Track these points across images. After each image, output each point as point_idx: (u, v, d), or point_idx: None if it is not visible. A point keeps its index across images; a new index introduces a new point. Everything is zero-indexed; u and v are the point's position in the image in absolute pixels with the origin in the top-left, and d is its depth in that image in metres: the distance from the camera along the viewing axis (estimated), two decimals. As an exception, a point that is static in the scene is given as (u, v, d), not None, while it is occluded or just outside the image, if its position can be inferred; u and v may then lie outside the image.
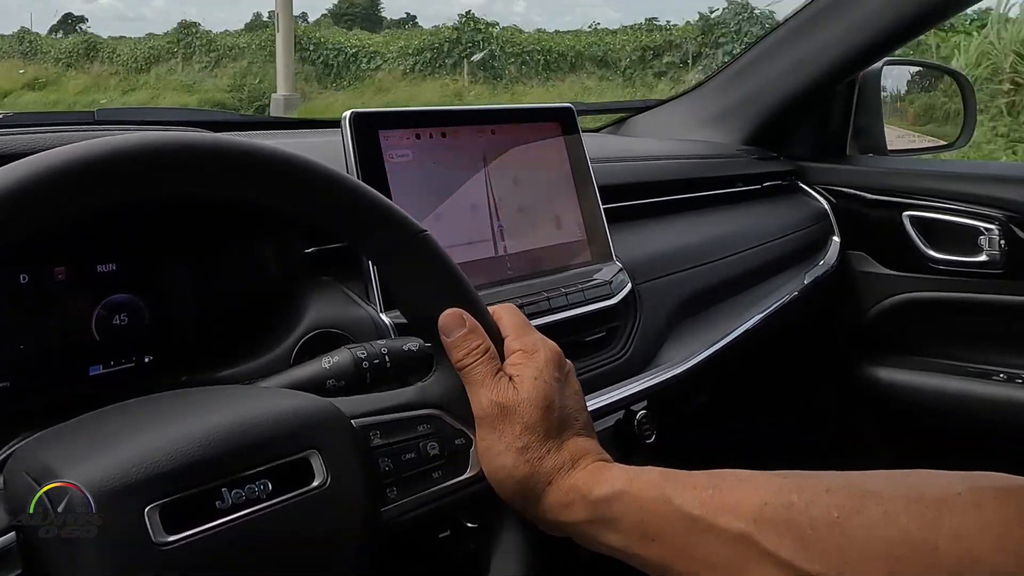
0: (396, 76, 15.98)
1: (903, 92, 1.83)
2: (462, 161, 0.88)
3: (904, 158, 1.70)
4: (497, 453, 0.56)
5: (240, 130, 1.01)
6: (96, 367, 0.68)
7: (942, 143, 1.78)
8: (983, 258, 1.39)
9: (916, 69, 2.00)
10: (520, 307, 0.66)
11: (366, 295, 0.77)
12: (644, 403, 0.96)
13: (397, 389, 0.59)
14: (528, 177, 0.93)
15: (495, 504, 0.58)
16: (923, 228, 1.45)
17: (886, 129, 1.65)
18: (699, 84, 1.64)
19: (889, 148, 1.65)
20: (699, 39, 14.30)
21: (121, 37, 20.68)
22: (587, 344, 0.94)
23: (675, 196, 1.26)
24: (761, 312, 1.22)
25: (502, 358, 0.60)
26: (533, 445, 0.56)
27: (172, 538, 0.43)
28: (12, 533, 0.42)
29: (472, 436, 0.58)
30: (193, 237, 0.73)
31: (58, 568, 0.41)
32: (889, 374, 1.51)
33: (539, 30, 17.05)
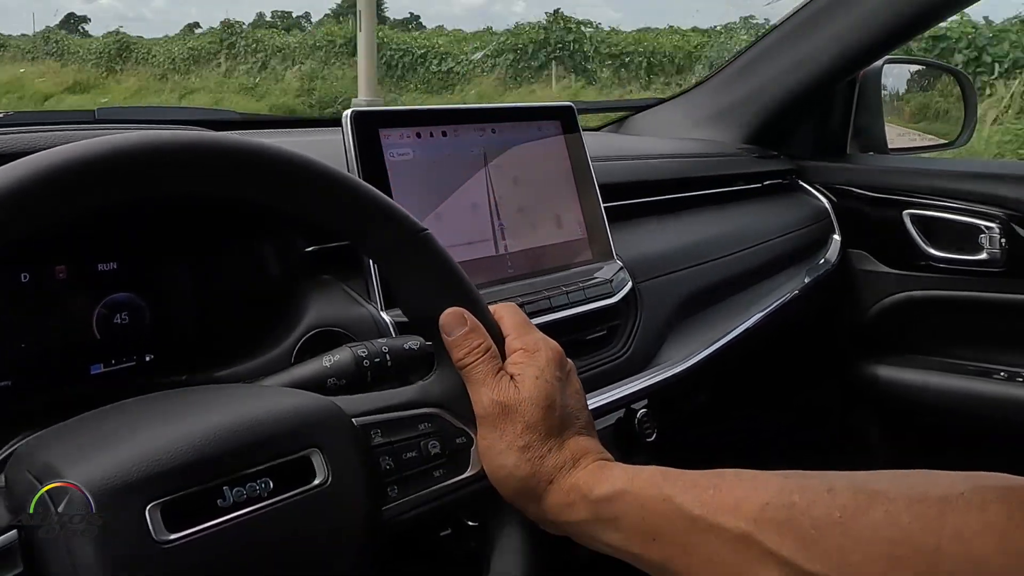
0: (490, 81, 14.26)
1: (902, 92, 1.84)
2: (463, 160, 0.88)
3: (905, 157, 1.70)
4: (498, 452, 0.56)
5: (241, 129, 1.01)
6: (97, 366, 0.68)
7: (942, 142, 1.78)
8: (984, 256, 1.39)
9: (917, 67, 2.00)
10: (521, 306, 0.66)
11: (367, 294, 0.77)
12: (645, 402, 0.96)
13: (398, 388, 0.59)
14: (529, 176, 0.93)
15: (496, 503, 0.58)
16: (924, 226, 1.45)
17: (886, 128, 1.65)
18: (700, 83, 1.64)
19: (890, 147, 1.65)
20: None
21: (158, 37, 19.98)
22: (588, 343, 0.94)
23: (676, 195, 1.26)
24: (762, 311, 1.22)
25: (503, 357, 0.59)
26: (534, 444, 0.56)
27: (173, 536, 0.43)
28: (13, 532, 0.42)
29: (473, 435, 0.58)
30: (194, 236, 0.73)
31: (59, 567, 0.41)
32: (890, 373, 1.51)
33: (643, 29, 15.25)
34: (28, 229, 0.43)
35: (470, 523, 0.65)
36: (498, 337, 0.60)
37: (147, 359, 0.71)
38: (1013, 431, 1.37)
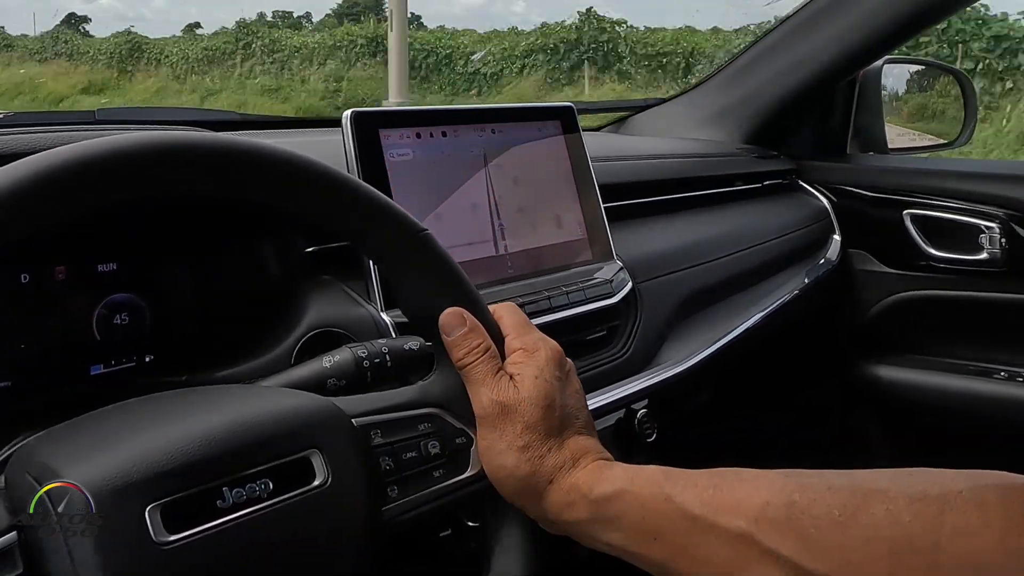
0: (529, 84, 13.36)
1: (901, 92, 1.84)
2: (463, 160, 0.88)
3: (905, 156, 1.70)
4: (498, 452, 0.56)
5: (240, 129, 1.01)
6: (97, 366, 0.68)
7: (942, 141, 1.78)
8: (984, 256, 1.39)
9: (916, 67, 2.00)
10: (521, 306, 0.66)
11: (367, 294, 0.77)
12: (645, 402, 0.96)
13: (398, 388, 0.59)
14: (529, 176, 0.93)
15: (496, 503, 0.59)
16: (924, 226, 1.45)
17: (886, 127, 1.65)
18: (699, 83, 1.64)
19: (890, 147, 1.65)
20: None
21: (165, 37, 19.36)
22: (588, 343, 0.94)
23: (676, 195, 1.26)
24: (762, 311, 1.22)
25: (503, 357, 0.60)
26: (534, 444, 0.56)
27: (173, 537, 0.43)
28: (13, 533, 0.42)
29: (473, 435, 0.58)
30: (194, 236, 0.73)
31: (59, 568, 0.41)
32: (890, 372, 1.51)
33: (684, 27, 14.33)
34: (28, 230, 0.43)
35: (470, 523, 0.65)
36: (498, 337, 0.60)
37: (147, 360, 0.71)
38: (1013, 431, 1.37)
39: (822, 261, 1.48)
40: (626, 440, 0.93)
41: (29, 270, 0.64)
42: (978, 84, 8.82)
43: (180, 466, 0.44)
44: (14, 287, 0.64)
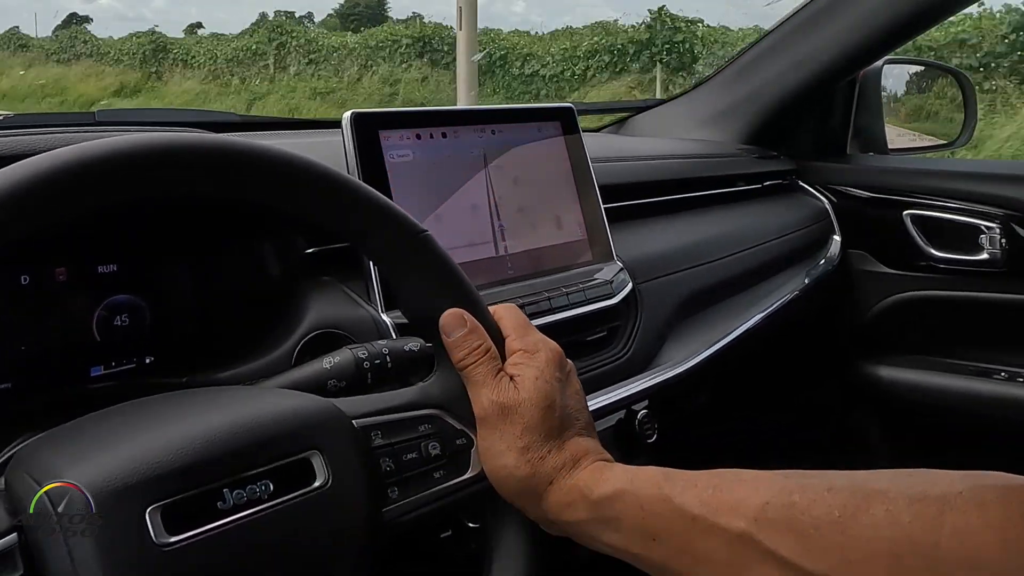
0: (615, 87, 12.00)
1: (899, 93, 1.85)
2: (463, 161, 0.88)
3: (905, 157, 1.70)
4: (498, 453, 0.56)
5: (241, 130, 1.01)
6: (97, 368, 0.68)
7: (942, 142, 1.79)
8: (984, 256, 1.39)
9: (916, 68, 2.00)
10: (521, 307, 0.66)
11: (367, 295, 0.77)
12: (645, 403, 0.96)
13: (398, 389, 0.59)
14: (529, 177, 0.93)
15: (496, 504, 0.59)
16: (924, 227, 1.45)
17: (886, 128, 1.65)
18: (699, 83, 1.64)
19: (890, 147, 1.65)
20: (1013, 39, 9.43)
21: (188, 36, 18.57)
22: (588, 344, 0.94)
23: (676, 195, 1.26)
24: (762, 311, 1.22)
25: (503, 358, 0.60)
26: (534, 445, 0.56)
27: (173, 539, 0.43)
28: (14, 534, 0.42)
29: (473, 436, 0.58)
30: (194, 237, 0.73)
31: (59, 568, 0.41)
32: (890, 373, 1.51)
33: (752, 27, 12.65)
34: (28, 231, 0.43)
35: (470, 524, 0.65)
36: (498, 338, 0.60)
37: (147, 361, 0.71)
38: (1013, 431, 1.37)
39: (822, 261, 1.48)
40: (626, 441, 0.93)
41: (29, 271, 0.64)
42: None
43: (180, 467, 0.44)
44: (14, 288, 0.64)
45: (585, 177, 0.98)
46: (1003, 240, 1.37)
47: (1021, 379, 1.38)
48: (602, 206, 0.99)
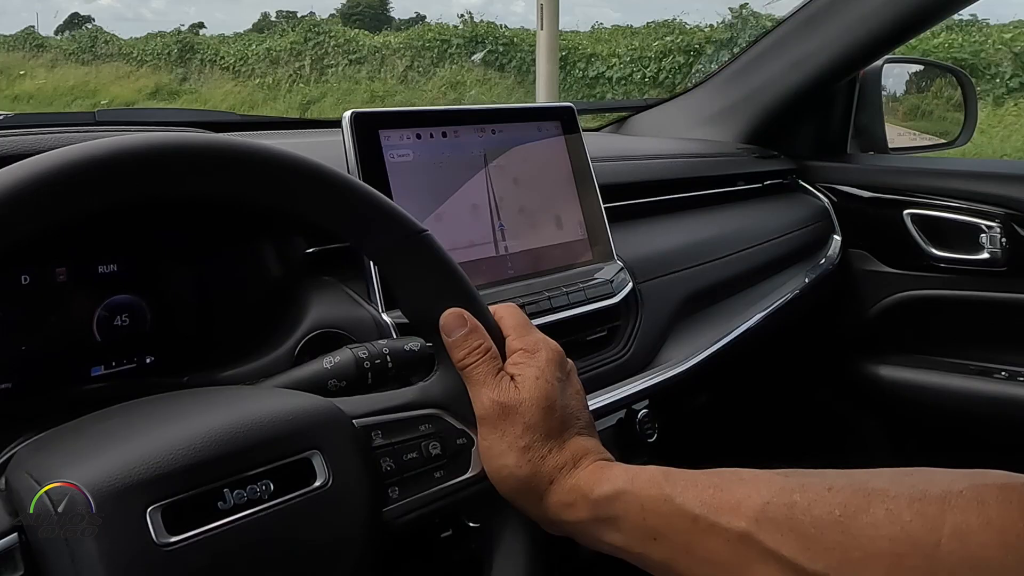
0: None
1: (899, 93, 1.85)
2: (463, 161, 0.88)
3: (905, 156, 1.70)
4: (499, 453, 0.56)
5: (241, 130, 1.01)
6: (97, 368, 0.68)
7: (943, 141, 1.79)
8: (984, 256, 1.39)
9: (916, 67, 2.00)
10: (521, 306, 0.66)
11: (367, 295, 0.77)
12: (645, 402, 0.96)
13: (398, 389, 0.59)
14: (529, 176, 0.93)
15: (497, 504, 0.58)
16: (924, 226, 1.45)
17: (887, 127, 1.65)
18: (700, 82, 1.64)
19: (890, 146, 1.65)
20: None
21: (216, 36, 17.42)
22: (588, 343, 0.94)
23: (676, 195, 1.26)
24: (762, 311, 1.22)
25: (503, 358, 0.60)
26: (535, 445, 0.56)
27: (174, 539, 0.43)
28: (14, 534, 0.42)
29: (474, 436, 0.58)
30: (194, 237, 0.73)
31: (60, 569, 0.41)
32: (890, 372, 1.51)
33: None
34: (29, 232, 0.43)
35: (471, 524, 0.65)
36: (498, 338, 0.60)
37: (148, 361, 0.71)
38: (1013, 431, 1.37)
39: (822, 261, 1.48)
40: (627, 440, 0.93)
41: (30, 271, 0.64)
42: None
43: (181, 467, 0.44)
44: (15, 288, 0.64)
45: (585, 176, 0.98)
46: (1003, 239, 1.37)
47: (1021, 378, 1.38)
48: (602, 205, 0.99)
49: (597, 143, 1.29)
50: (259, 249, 0.76)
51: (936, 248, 1.44)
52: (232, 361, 0.68)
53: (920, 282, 1.48)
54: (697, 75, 11.49)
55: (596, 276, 0.95)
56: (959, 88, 1.75)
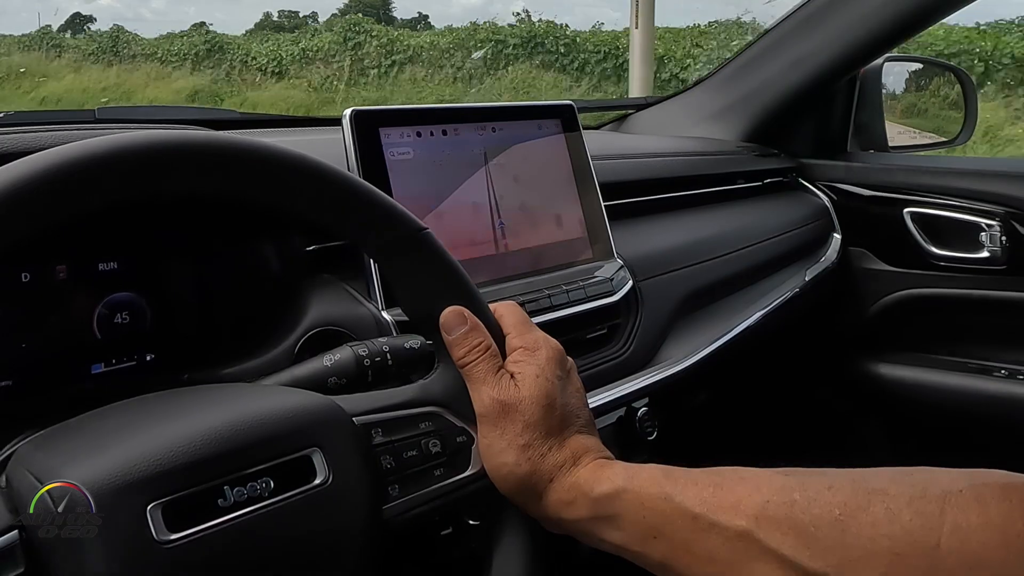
0: None
1: (898, 91, 1.86)
2: (463, 159, 0.88)
3: (905, 155, 1.70)
4: (499, 451, 0.56)
5: (241, 128, 1.01)
6: (98, 365, 0.68)
7: (943, 140, 1.79)
8: (984, 254, 1.39)
9: (916, 65, 2.00)
10: (521, 304, 0.66)
11: (367, 293, 0.77)
12: (645, 400, 0.96)
13: (399, 387, 0.59)
14: (529, 175, 0.93)
15: (497, 502, 0.59)
16: (924, 224, 1.45)
17: (887, 125, 1.65)
18: (700, 81, 1.64)
19: (890, 145, 1.65)
20: None
21: (241, 34, 16.57)
22: (588, 341, 0.94)
23: (676, 193, 1.26)
24: (762, 309, 1.22)
25: (504, 356, 0.60)
26: (535, 443, 0.56)
27: (174, 536, 0.43)
28: (15, 532, 0.42)
29: (474, 434, 0.58)
30: (194, 235, 0.73)
31: (61, 567, 0.41)
32: (890, 370, 1.51)
33: (977, 26, 10.39)
34: (29, 230, 0.43)
35: (471, 522, 0.65)
36: (498, 336, 0.60)
37: (148, 358, 0.71)
38: (1013, 429, 1.37)
39: (823, 259, 1.48)
40: (627, 438, 0.93)
41: (30, 269, 0.64)
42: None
43: (181, 465, 0.44)
44: (15, 286, 0.64)
45: (586, 175, 0.98)
46: (1004, 238, 1.37)
47: (1021, 376, 1.38)
48: (603, 204, 0.99)
49: (597, 141, 1.29)
50: (259, 247, 0.76)
51: (936, 246, 1.44)
52: (232, 359, 0.68)
53: (920, 280, 1.48)
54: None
55: (596, 274, 0.95)
56: (957, 86, 1.75)
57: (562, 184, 0.97)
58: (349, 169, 0.78)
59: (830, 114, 1.62)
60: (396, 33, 14.26)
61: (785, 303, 1.27)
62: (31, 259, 0.64)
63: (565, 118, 0.98)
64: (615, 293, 0.95)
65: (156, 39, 16.23)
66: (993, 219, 1.38)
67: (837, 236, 1.53)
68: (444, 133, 0.86)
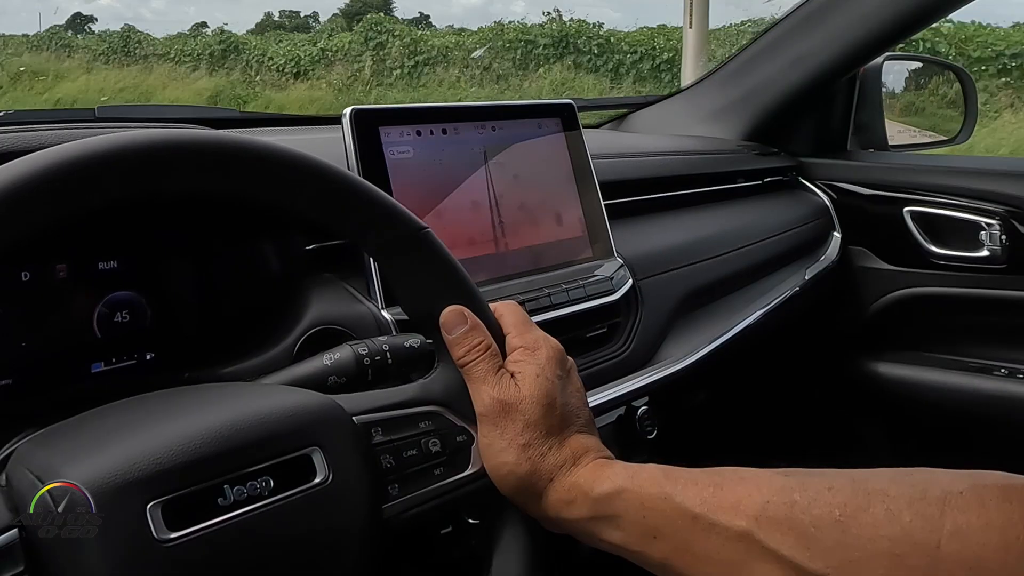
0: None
1: (897, 90, 1.86)
2: (463, 157, 0.88)
3: (905, 153, 1.70)
4: (499, 450, 0.56)
5: (241, 127, 1.01)
6: (98, 364, 0.68)
7: (943, 138, 1.79)
8: (984, 253, 1.39)
9: (916, 64, 2.00)
10: (521, 304, 0.67)
11: (367, 292, 0.77)
12: (645, 399, 0.96)
13: (399, 386, 0.59)
14: (529, 173, 0.93)
15: (497, 501, 0.59)
16: (924, 223, 1.45)
17: (887, 124, 1.65)
18: (700, 79, 1.64)
19: (890, 144, 1.65)
20: None
21: (255, 35, 16.27)
22: (588, 340, 0.94)
23: (676, 192, 1.26)
24: (762, 308, 1.22)
25: (504, 355, 0.60)
26: (535, 442, 0.56)
27: (174, 535, 0.43)
28: (15, 531, 0.42)
29: (474, 433, 0.58)
30: (194, 234, 0.73)
31: (61, 566, 0.41)
32: (890, 369, 1.51)
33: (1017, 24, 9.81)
34: (29, 229, 0.43)
35: (471, 521, 0.65)
36: (498, 335, 0.60)
37: (148, 357, 0.71)
38: (1013, 428, 1.37)
39: (822, 258, 1.48)
40: (627, 438, 0.93)
41: (30, 268, 0.64)
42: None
43: (181, 464, 0.44)
44: (15, 285, 0.64)
45: (585, 173, 0.98)
46: (1003, 237, 1.37)
47: (1021, 375, 1.38)
48: (602, 202, 0.99)
49: (597, 140, 1.29)
50: (259, 246, 0.76)
51: (936, 245, 1.44)
52: (232, 357, 0.68)
53: (920, 279, 1.48)
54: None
55: (596, 273, 0.95)
56: (957, 85, 1.75)
57: (562, 183, 0.97)
58: (349, 168, 0.78)
59: (830, 113, 1.62)
60: (420, 33, 13.98)
61: (785, 302, 1.27)
62: (31, 258, 0.64)
63: (565, 117, 0.98)
64: (615, 292, 0.95)
65: (167, 39, 15.95)
66: (993, 218, 1.38)
67: (837, 235, 1.53)
68: (444, 132, 0.86)
